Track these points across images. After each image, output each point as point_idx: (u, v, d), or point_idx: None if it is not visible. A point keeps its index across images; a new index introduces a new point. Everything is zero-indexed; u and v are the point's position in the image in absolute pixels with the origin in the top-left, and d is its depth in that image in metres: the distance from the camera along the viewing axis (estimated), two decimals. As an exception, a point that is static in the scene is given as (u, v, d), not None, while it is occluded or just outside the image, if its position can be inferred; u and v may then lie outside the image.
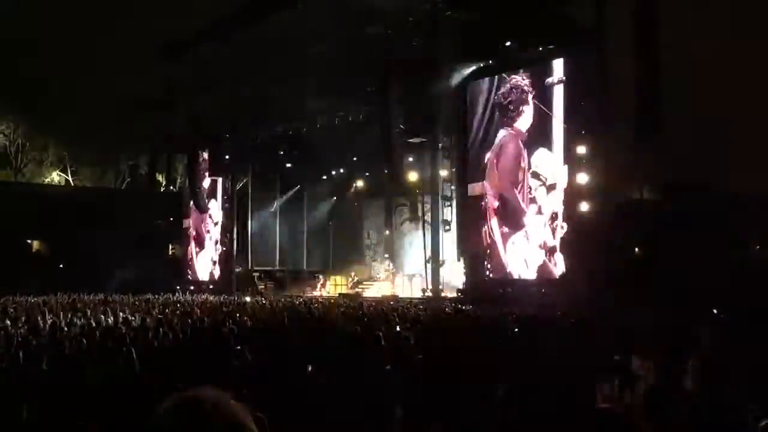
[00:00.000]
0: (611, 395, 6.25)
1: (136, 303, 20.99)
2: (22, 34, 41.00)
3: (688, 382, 3.75)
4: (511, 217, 23.35)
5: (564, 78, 22.15)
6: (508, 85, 23.76)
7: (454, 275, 26.34)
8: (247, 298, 25.97)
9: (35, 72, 41.45)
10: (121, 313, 15.81)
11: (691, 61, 18.59)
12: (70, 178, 47.81)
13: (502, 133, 23.93)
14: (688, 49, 18.53)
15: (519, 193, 23.13)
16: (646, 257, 19.97)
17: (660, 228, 19.26)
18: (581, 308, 15.73)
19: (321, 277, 33.89)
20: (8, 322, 10.43)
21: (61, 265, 34.83)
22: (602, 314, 14.08)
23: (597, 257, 20.37)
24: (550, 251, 22.06)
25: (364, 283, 32.27)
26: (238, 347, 8.56)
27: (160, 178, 45.30)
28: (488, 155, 24.33)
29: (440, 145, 26.82)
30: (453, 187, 27.30)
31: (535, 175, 22.70)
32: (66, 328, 10.60)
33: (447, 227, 27.18)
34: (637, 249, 20.59)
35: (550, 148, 22.40)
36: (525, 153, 23.09)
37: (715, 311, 14.27)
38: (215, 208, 36.75)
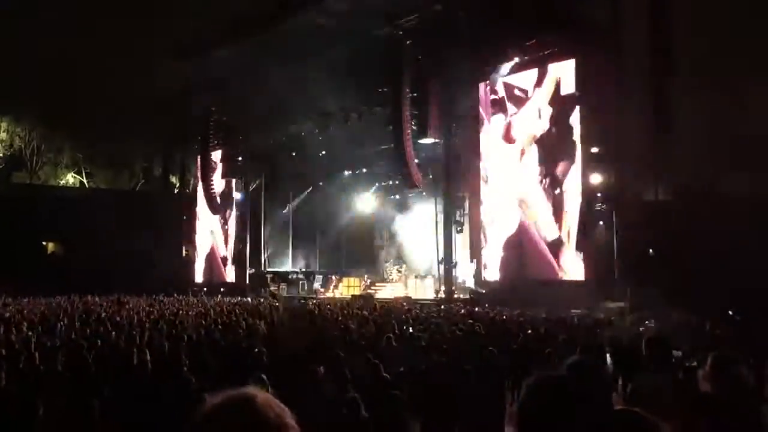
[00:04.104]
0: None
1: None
2: (38, 37, 41.36)
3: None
4: (522, 218, 23.25)
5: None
6: (521, 85, 23.70)
7: (466, 276, 26.28)
8: (261, 300, 26.01)
9: (50, 75, 41.76)
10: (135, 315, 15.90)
11: (705, 60, 18.46)
12: (84, 180, 48.17)
13: (514, 133, 23.87)
14: (702, 49, 18.39)
15: (531, 193, 23.03)
16: (660, 258, 19.81)
17: (673, 229, 19.08)
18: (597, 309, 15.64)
19: (333, 278, 33.85)
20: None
21: (74, 267, 35.06)
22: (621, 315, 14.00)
23: (613, 258, 20.26)
24: (561, 252, 21.98)
25: (377, 284, 32.19)
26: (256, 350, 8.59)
27: (173, 179, 45.53)
28: (499, 155, 24.28)
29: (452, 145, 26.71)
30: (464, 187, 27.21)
31: (547, 176, 22.61)
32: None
33: (459, 228, 27.09)
34: (651, 251, 20.40)
35: (562, 150, 22.30)
36: (537, 154, 23.02)
37: (730, 312, 14.16)
38: (228, 210, 36.87)
